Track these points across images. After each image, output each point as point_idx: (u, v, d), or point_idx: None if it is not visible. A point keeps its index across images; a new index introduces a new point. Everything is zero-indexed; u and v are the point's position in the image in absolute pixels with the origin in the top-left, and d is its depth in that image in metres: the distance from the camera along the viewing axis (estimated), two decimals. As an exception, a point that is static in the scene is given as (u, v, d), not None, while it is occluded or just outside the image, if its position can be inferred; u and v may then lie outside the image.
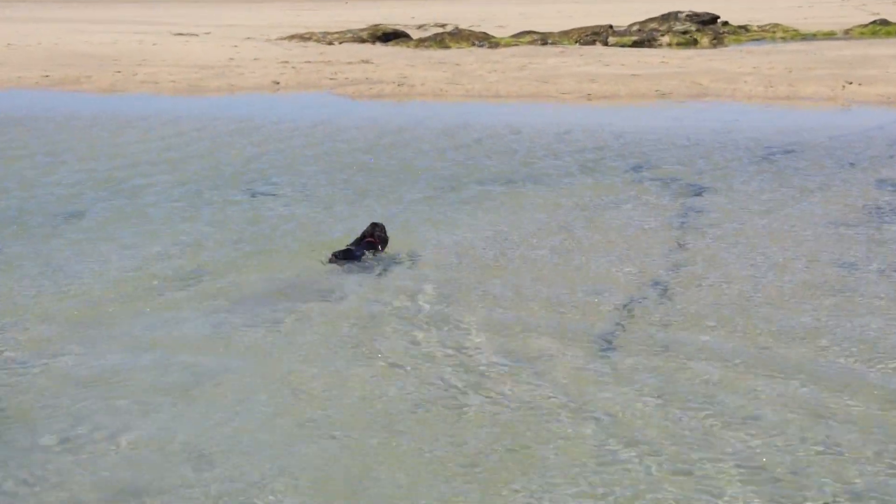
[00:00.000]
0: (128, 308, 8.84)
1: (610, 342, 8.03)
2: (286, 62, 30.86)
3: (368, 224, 10.65)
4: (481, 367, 7.50)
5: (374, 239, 10.40)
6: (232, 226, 11.71)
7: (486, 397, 7.00)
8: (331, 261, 10.06)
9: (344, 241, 10.62)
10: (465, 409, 6.84)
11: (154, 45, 36.18)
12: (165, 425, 6.67)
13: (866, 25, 41.95)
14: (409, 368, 7.50)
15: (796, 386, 7.13)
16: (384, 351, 7.86)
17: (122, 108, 22.69)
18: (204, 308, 8.84)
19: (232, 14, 55.69)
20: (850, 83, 24.00)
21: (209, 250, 10.70)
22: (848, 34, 41.18)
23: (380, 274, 9.84)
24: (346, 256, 10.08)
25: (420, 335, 8.17)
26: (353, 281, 9.60)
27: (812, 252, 10.49)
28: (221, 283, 9.55)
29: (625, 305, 8.87)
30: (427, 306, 8.85)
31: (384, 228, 10.57)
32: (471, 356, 7.72)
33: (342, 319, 8.56)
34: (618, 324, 8.43)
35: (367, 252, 10.27)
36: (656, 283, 9.50)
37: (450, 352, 7.81)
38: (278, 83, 26.63)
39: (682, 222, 11.80)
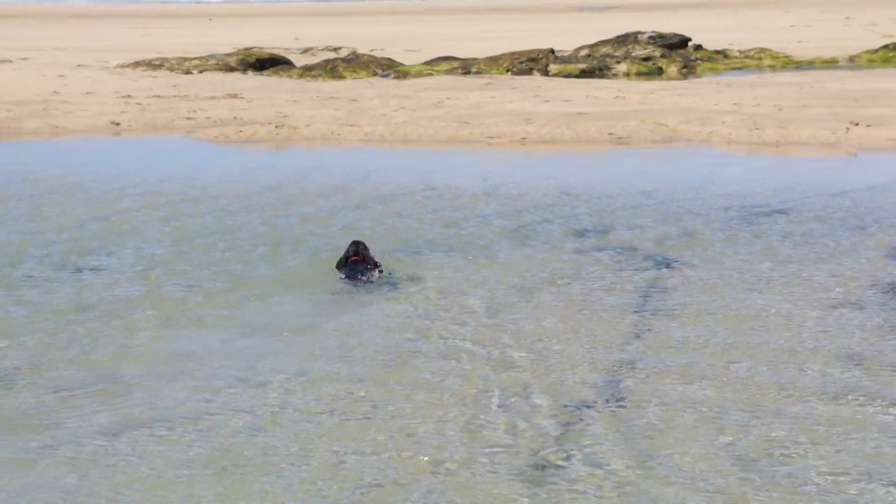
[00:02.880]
0: None
1: (542, 471, 7.91)
2: (129, 97, 30.72)
3: (350, 243, 13.15)
4: None
5: (357, 257, 12.92)
6: (41, 314, 11.50)
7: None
8: (344, 278, 12.74)
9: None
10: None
11: (-48, 73, 35.84)
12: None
13: (876, 51, 43.10)
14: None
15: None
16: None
17: None
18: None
19: (59, 34, 55.39)
20: (857, 124, 24.50)
21: (13, 346, 10.45)
22: (853, 62, 42.28)
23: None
24: (350, 275, 12.73)
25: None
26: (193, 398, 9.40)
27: (809, 344, 10.52)
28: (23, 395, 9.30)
29: (561, 425, 8.77)
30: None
31: (367, 246, 13.10)
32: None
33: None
34: (555, 451, 8.31)
35: (364, 272, 12.79)
36: (605, 390, 9.42)
37: None
38: (118, 124, 26.46)
39: (642, 306, 11.80)
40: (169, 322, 11.36)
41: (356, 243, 13.13)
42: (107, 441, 8.44)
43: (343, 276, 12.82)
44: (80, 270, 13.33)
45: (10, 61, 40.81)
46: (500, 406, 9.07)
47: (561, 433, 8.54)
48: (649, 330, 11.04)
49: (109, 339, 10.80)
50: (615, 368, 9.96)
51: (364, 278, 12.73)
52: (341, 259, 13.10)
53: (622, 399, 9.22)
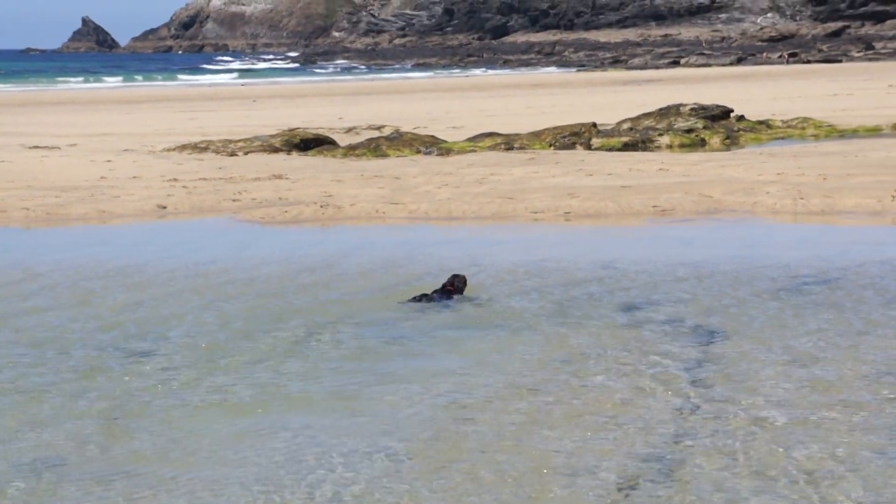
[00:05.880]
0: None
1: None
2: (175, 180, 30.95)
3: (450, 276, 15.67)
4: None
5: (452, 287, 15.36)
6: (85, 400, 11.56)
7: None
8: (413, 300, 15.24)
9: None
10: None
11: (1, 161, 36.26)
12: None
13: (921, 118, 42.90)
14: None
15: None
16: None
17: (-45, 246, 22.50)
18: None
19: (105, 119, 55.91)
20: (903, 192, 24.37)
21: (53, 433, 10.49)
22: (898, 129, 42.08)
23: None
24: (423, 299, 15.13)
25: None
26: None
27: (864, 416, 10.44)
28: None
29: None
30: None
31: (464, 280, 15.58)
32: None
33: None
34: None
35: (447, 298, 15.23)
36: (654, 464, 9.36)
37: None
38: (165, 207, 26.64)
39: (690, 381, 11.76)
40: (214, 407, 11.40)
41: (455, 276, 15.66)
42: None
43: (430, 299, 15.26)
44: (126, 356, 13.41)
45: (59, 148, 41.21)
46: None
47: None
48: (696, 405, 10.98)
49: (155, 427, 10.84)
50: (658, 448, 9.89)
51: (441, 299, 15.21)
52: (439, 288, 15.50)
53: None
